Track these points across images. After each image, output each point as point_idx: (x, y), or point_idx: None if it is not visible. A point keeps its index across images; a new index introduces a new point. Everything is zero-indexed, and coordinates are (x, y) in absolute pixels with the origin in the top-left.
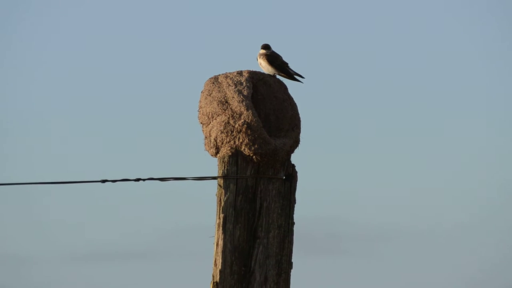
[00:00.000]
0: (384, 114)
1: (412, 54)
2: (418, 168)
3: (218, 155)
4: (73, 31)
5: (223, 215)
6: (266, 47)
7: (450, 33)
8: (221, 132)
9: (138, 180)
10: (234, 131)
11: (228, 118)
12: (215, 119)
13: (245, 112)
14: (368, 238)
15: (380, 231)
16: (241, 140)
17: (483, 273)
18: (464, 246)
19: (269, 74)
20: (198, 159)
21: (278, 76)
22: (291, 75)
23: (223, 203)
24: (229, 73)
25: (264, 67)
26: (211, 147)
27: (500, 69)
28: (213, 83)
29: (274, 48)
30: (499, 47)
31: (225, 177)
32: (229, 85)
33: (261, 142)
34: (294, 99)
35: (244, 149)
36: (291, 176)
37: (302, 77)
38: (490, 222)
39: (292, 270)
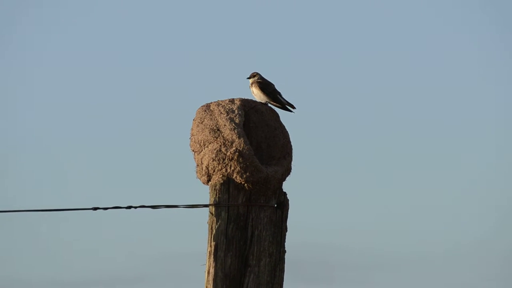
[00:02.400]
0: (376, 142)
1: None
2: (413, 194)
3: (210, 182)
4: (61, 59)
5: (214, 243)
6: (254, 75)
7: (465, 63)
8: (213, 160)
9: (129, 207)
10: (226, 159)
11: (220, 146)
12: (207, 146)
13: (236, 140)
14: (361, 266)
15: (373, 259)
16: (232, 168)
17: None
18: (461, 273)
19: (261, 102)
20: (190, 187)
21: (269, 105)
22: (282, 104)
23: (214, 231)
24: (221, 101)
25: (256, 94)
26: (202, 175)
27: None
28: (205, 111)
29: (267, 77)
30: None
31: (217, 205)
32: (221, 113)
33: (253, 170)
34: (286, 128)
35: (236, 176)
36: (283, 204)
37: (293, 107)
38: (490, 247)
39: None
